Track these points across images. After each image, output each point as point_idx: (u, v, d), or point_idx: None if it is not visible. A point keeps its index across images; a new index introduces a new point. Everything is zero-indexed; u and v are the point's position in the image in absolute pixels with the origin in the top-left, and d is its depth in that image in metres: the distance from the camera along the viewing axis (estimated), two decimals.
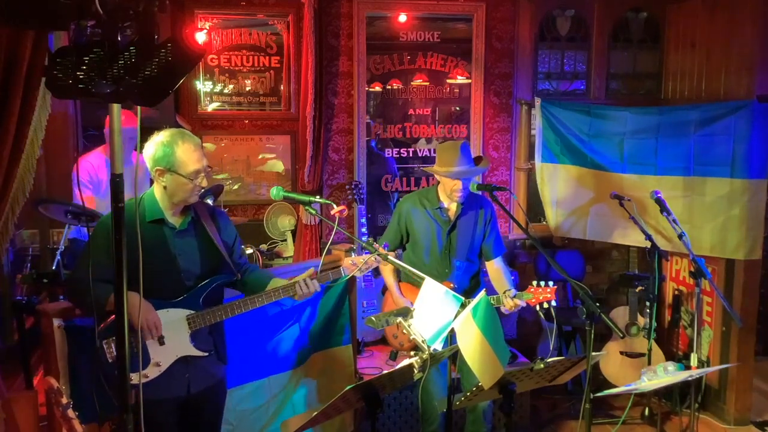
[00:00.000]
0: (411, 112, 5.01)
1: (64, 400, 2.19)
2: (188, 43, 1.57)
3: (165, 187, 2.50)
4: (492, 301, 3.24)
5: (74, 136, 4.36)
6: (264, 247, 4.63)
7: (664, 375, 3.09)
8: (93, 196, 3.89)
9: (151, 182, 2.58)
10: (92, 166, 3.98)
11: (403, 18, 4.84)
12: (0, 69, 2.45)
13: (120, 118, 1.71)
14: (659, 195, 3.85)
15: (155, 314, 2.45)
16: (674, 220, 3.79)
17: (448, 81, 5.02)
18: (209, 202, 3.69)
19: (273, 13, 4.68)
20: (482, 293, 2.54)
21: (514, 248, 5.08)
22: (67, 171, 4.17)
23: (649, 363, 4.05)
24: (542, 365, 2.42)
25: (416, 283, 3.11)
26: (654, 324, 4.12)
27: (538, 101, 4.67)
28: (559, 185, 4.70)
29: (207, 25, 4.61)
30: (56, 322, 2.70)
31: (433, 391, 3.42)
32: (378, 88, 4.94)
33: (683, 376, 3.17)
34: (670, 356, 4.63)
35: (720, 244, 4.26)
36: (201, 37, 4.54)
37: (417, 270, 2.81)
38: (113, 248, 1.74)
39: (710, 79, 4.57)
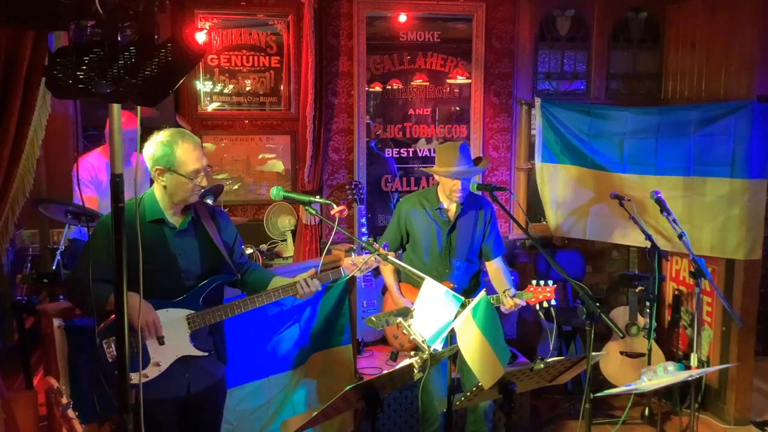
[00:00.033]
0: (411, 112, 5.01)
1: (64, 400, 2.19)
2: (188, 43, 1.57)
3: (165, 187, 2.50)
4: (492, 301, 3.24)
5: (74, 136, 4.36)
6: (264, 247, 4.63)
7: (664, 375, 3.09)
8: (95, 196, 3.89)
9: (151, 182, 2.59)
10: (92, 166, 3.97)
11: (403, 18, 4.84)
12: (0, 69, 2.45)
13: (120, 118, 1.71)
14: (659, 195, 3.85)
15: (155, 314, 2.44)
16: (674, 220, 3.79)
17: (448, 81, 5.02)
18: (209, 202, 3.69)
19: (273, 13, 4.68)
20: (482, 293, 2.54)
21: (514, 248, 5.08)
22: (67, 171, 4.16)
23: (649, 363, 4.05)
24: (542, 365, 2.42)
25: (416, 284, 3.11)
26: (654, 324, 4.12)
27: (538, 101, 4.67)
28: (559, 185, 4.70)
29: (207, 25, 4.61)
30: (56, 322, 2.70)
31: (434, 391, 3.42)
32: (378, 88, 4.95)
33: (683, 376, 3.17)
34: (670, 356, 4.63)
35: (720, 244, 4.26)
36: (201, 37, 4.54)
37: (417, 270, 2.81)
38: (113, 248, 1.74)
39: (710, 79, 4.57)
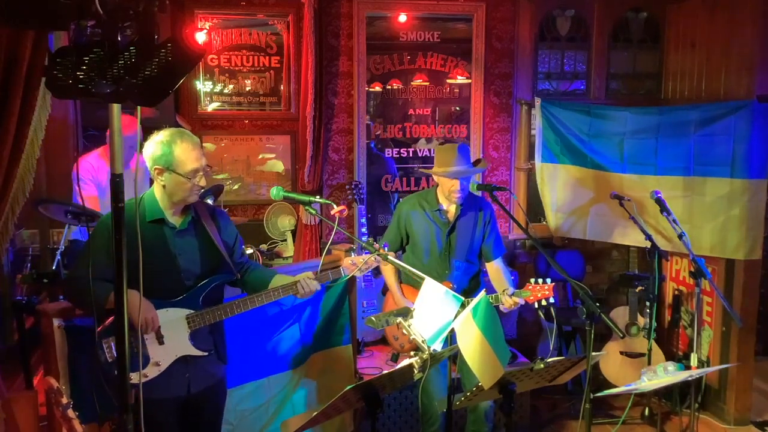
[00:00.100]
0: (411, 112, 5.01)
1: (64, 400, 2.19)
2: (188, 43, 1.57)
3: (164, 187, 2.51)
4: (491, 300, 3.25)
5: (74, 136, 4.36)
6: (264, 247, 4.63)
7: (664, 375, 3.10)
8: (95, 195, 3.89)
9: (151, 182, 2.59)
10: (92, 167, 3.97)
11: (403, 18, 4.84)
12: (0, 69, 2.46)
13: (120, 118, 1.71)
14: (659, 195, 3.85)
15: (155, 313, 2.44)
16: (674, 220, 3.79)
17: (448, 81, 5.02)
18: (209, 202, 3.69)
19: (273, 13, 4.68)
20: (482, 293, 2.54)
21: (514, 248, 5.08)
22: (67, 171, 4.16)
23: (649, 363, 4.05)
24: (542, 365, 2.43)
25: (417, 285, 3.10)
26: (654, 324, 4.12)
27: (538, 101, 4.67)
28: (559, 185, 4.70)
29: (207, 25, 4.61)
30: (56, 322, 2.70)
31: (434, 391, 3.42)
32: (378, 88, 4.94)
33: (683, 376, 3.18)
34: (670, 356, 4.63)
35: (720, 244, 4.26)
36: (201, 37, 4.54)
37: (417, 270, 2.81)
38: (113, 248, 1.74)
39: (710, 79, 4.57)
